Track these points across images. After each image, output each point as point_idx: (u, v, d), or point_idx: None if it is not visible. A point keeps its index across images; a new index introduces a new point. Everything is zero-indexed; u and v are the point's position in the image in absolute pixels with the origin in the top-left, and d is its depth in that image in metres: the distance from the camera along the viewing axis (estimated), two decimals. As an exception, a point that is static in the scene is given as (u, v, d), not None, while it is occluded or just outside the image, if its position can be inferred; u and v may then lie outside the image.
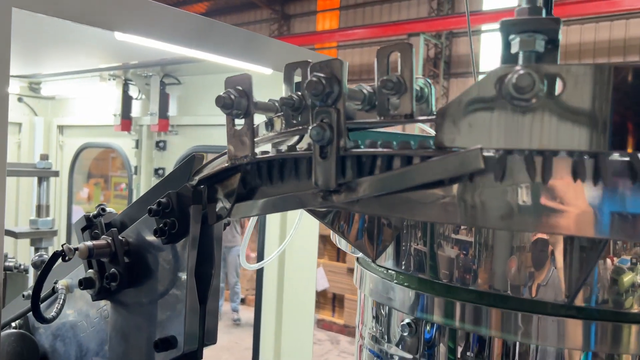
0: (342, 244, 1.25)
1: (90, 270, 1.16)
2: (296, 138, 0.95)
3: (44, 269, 1.06)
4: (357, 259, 1.57)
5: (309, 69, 0.82)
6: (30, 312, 1.44)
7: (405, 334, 1.07)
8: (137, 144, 4.04)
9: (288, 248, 3.08)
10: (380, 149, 0.75)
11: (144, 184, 4.03)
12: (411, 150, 0.71)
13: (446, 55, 14.46)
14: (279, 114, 1.00)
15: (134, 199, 4.31)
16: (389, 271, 1.22)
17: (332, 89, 0.78)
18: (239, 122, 0.93)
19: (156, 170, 4.02)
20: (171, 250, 1.05)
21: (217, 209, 1.01)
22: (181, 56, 3.23)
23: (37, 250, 3.20)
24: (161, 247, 1.06)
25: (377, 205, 0.78)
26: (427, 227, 0.97)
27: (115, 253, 1.10)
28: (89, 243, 1.08)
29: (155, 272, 1.08)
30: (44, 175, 3.21)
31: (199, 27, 2.09)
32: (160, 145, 4.00)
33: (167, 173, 4.20)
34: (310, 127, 0.78)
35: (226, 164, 0.95)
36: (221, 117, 1.00)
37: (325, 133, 0.77)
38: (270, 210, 0.91)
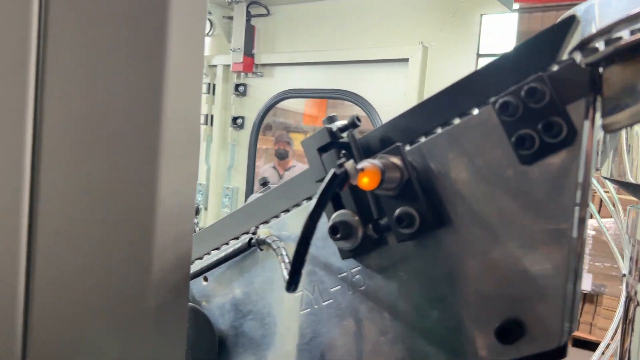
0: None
1: (343, 211, 0.79)
2: None
3: (317, 206, 0.68)
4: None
5: None
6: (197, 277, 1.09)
7: None
8: (209, 89, 3.65)
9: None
10: None
11: (217, 136, 3.64)
12: None
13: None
14: None
15: (204, 153, 3.97)
16: None
17: None
18: None
19: (234, 120, 3.61)
20: (518, 177, 0.68)
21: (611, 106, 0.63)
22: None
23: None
24: (496, 174, 0.69)
25: None
26: None
27: (409, 182, 0.73)
28: (378, 162, 0.71)
29: (481, 214, 0.71)
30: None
31: None
32: (240, 90, 3.59)
33: (246, 123, 3.86)
34: None
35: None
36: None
37: None
38: None
